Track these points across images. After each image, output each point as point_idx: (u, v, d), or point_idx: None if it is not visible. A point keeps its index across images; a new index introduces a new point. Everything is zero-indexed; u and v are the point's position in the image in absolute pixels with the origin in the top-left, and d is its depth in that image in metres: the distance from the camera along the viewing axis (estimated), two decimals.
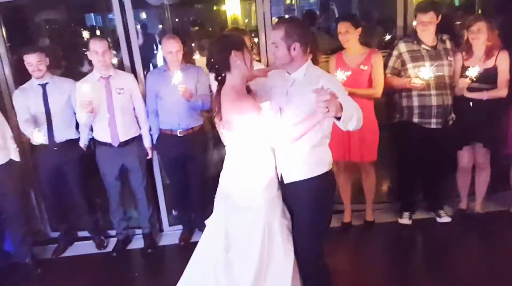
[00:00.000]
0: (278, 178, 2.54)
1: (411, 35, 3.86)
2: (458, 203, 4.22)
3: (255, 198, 2.49)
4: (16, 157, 3.79)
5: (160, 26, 6.40)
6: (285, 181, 2.51)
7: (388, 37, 4.71)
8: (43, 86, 3.81)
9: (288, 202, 2.57)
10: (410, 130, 3.88)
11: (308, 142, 2.39)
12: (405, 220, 4.13)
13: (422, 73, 3.52)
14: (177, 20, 6.18)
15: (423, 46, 3.73)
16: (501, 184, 4.21)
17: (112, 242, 4.25)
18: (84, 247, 4.29)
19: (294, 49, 2.36)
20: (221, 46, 2.47)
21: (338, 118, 2.04)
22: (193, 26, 6.30)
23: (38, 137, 3.52)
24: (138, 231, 4.36)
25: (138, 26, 5.98)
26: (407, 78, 3.73)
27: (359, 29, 3.73)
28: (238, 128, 2.43)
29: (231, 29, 4.27)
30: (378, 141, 3.89)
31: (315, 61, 3.75)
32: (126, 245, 4.25)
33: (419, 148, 3.87)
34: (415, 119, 3.83)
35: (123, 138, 3.85)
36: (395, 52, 3.83)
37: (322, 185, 2.49)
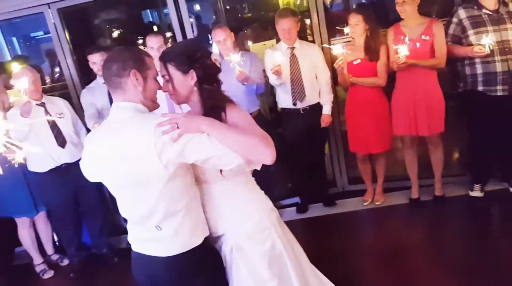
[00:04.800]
0: None
1: (471, 0, 3.66)
2: None
3: None
4: None
5: (214, 17, 6.45)
6: None
7: None
8: None
9: None
10: (475, 99, 3.69)
11: None
12: (476, 192, 3.96)
13: (484, 40, 3.35)
14: (228, 7, 6.15)
15: (484, 10, 3.53)
16: None
17: None
18: None
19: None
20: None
21: None
22: (245, 13, 6.32)
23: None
24: None
25: (192, 19, 6.02)
26: (468, 45, 3.55)
27: None
28: None
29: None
30: (444, 112, 3.75)
31: (374, 36, 3.70)
32: None
33: (487, 117, 3.65)
34: (480, 87, 3.63)
35: None
36: (454, 19, 3.66)
37: None
